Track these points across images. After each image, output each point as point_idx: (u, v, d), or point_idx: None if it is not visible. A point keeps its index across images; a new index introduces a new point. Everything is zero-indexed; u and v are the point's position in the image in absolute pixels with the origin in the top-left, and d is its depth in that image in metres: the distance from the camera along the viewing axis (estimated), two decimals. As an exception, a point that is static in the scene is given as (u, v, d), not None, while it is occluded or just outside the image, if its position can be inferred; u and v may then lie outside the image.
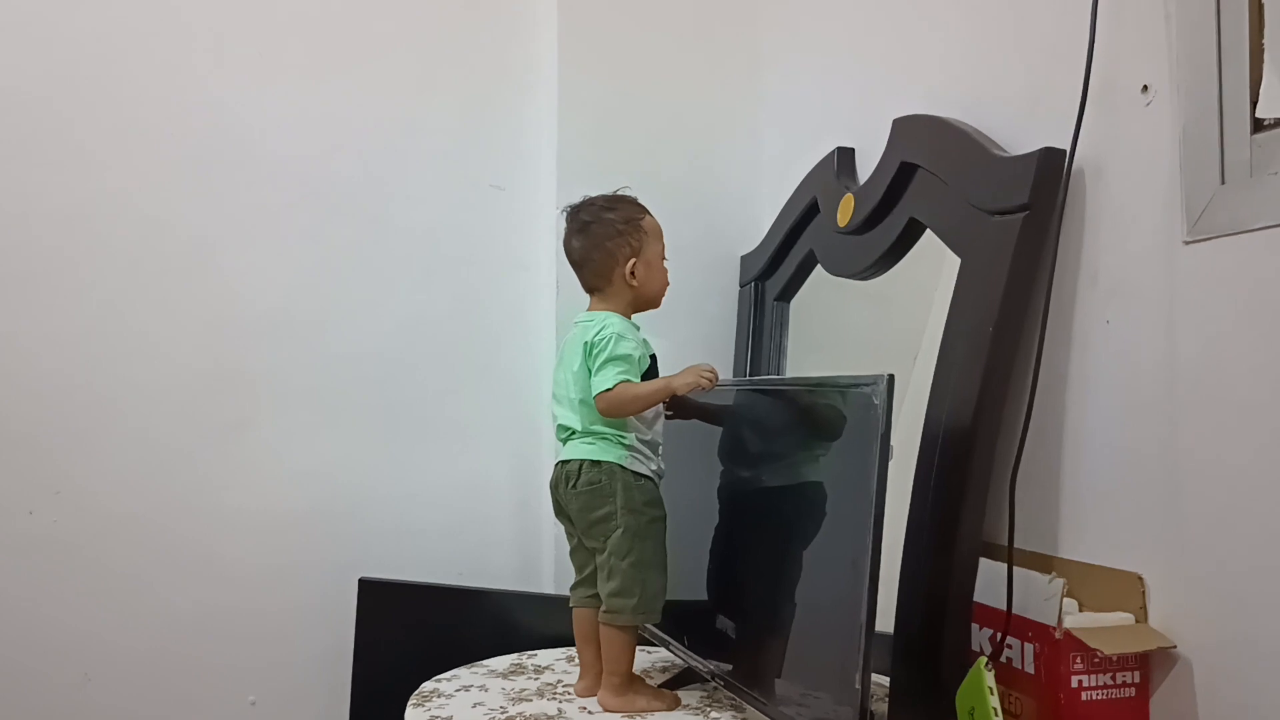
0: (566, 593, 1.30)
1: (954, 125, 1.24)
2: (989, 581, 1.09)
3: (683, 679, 1.33)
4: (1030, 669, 1.05)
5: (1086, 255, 1.09)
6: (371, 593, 1.59)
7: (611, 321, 1.23)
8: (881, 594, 0.96)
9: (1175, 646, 0.97)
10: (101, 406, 1.57)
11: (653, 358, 1.25)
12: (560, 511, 1.28)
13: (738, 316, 1.79)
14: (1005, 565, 1.06)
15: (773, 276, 1.71)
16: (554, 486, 1.27)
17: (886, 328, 1.47)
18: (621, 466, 1.21)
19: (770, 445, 1.28)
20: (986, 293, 1.11)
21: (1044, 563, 1.10)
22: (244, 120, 1.65)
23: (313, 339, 1.69)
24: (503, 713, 1.22)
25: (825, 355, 1.66)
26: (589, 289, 1.30)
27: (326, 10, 1.71)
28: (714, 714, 1.21)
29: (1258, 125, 0.91)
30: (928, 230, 1.27)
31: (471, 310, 1.79)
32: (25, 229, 1.54)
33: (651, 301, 1.30)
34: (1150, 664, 1.00)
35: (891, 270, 1.38)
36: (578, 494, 1.22)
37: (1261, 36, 0.91)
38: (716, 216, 1.81)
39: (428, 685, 1.34)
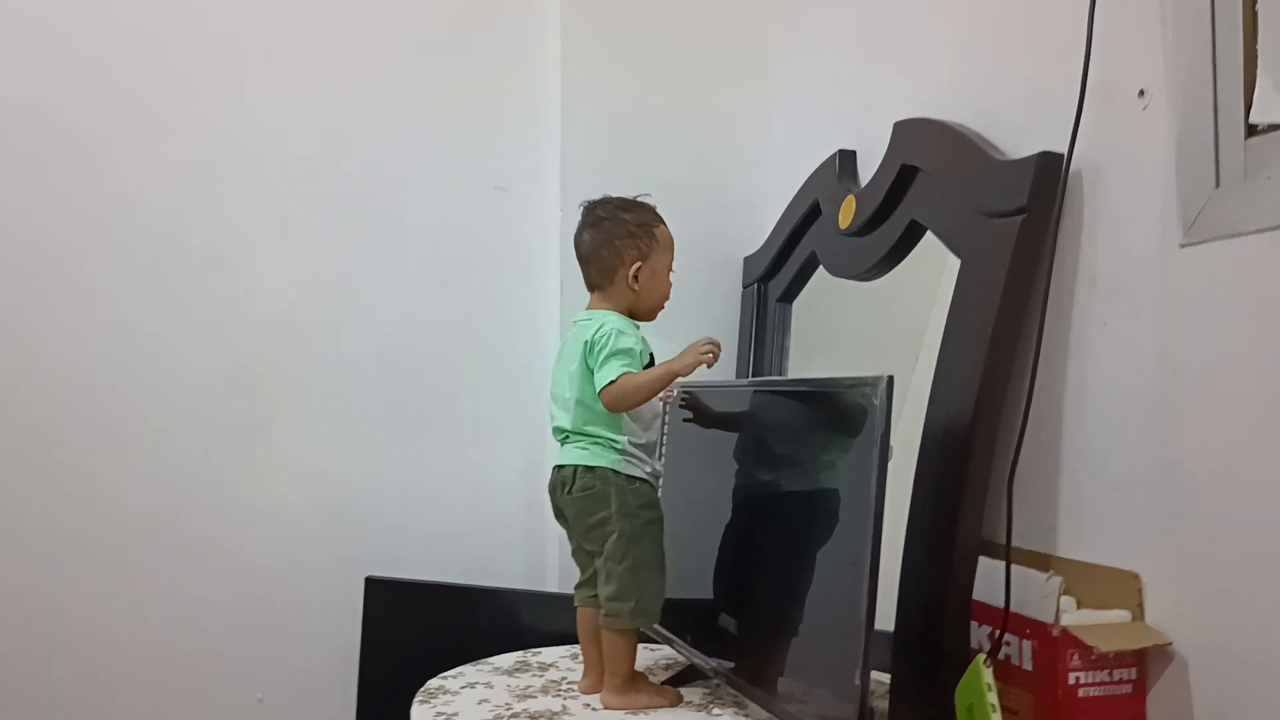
0: (571, 591, 1.31)
1: (954, 129, 1.25)
2: (988, 580, 1.10)
3: (686, 676, 1.34)
4: (1028, 666, 1.05)
5: (1084, 257, 1.09)
6: (378, 591, 1.60)
7: (610, 319, 1.23)
8: (881, 592, 0.97)
9: (1171, 644, 0.98)
10: (116, 407, 1.59)
11: (651, 356, 1.25)
12: (559, 515, 1.28)
13: (740, 318, 1.80)
14: (1004, 564, 1.07)
15: (775, 278, 1.72)
16: (552, 491, 1.27)
17: (888, 329, 1.48)
18: (615, 471, 1.21)
19: (772, 445, 1.29)
20: (986, 294, 1.12)
21: (1042, 561, 1.11)
22: (256, 123, 1.67)
23: (323, 340, 1.71)
24: (508, 709, 1.23)
25: (827, 356, 1.67)
26: (591, 286, 1.29)
27: (334, 14, 1.72)
28: (716, 711, 1.22)
29: (1251, 130, 0.92)
30: (928, 232, 1.28)
31: (480, 311, 1.81)
32: (42, 232, 1.57)
33: (649, 312, 1.28)
34: (1147, 661, 1.01)
35: (892, 272, 1.39)
36: (573, 499, 1.23)
37: (1255, 42, 0.92)
38: (720, 218, 1.81)
39: (434, 682, 1.35)
